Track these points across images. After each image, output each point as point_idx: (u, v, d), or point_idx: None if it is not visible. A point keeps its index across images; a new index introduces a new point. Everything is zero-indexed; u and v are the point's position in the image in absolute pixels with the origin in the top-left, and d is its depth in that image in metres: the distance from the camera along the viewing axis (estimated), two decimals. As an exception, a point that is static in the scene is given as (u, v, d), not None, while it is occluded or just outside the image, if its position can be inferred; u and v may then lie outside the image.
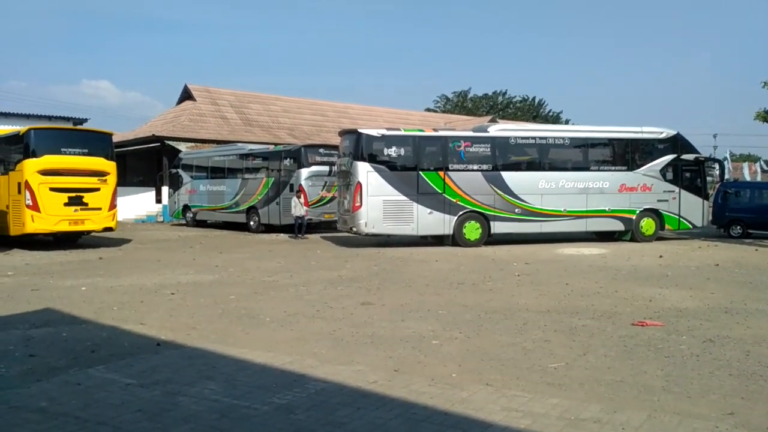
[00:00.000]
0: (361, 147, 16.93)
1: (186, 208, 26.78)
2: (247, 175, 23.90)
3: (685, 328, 7.49)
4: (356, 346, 6.69)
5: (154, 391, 5.16)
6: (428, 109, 64.53)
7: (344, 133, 18.54)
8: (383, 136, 17.19)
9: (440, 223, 17.24)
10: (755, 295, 9.78)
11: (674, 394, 5.14)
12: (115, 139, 19.22)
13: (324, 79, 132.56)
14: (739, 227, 21.21)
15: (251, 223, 23.33)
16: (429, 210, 17.11)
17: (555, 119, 68.11)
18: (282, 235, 21.52)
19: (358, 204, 16.71)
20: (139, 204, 29.81)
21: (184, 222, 27.08)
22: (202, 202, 25.88)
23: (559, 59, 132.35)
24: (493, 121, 41.08)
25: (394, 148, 17.12)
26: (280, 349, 6.56)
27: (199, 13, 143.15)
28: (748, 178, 45.54)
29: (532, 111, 68.92)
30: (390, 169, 17.02)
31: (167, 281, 11.27)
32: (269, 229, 22.59)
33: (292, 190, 21.23)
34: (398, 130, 18.18)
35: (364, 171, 16.76)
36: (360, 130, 17.36)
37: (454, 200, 17.29)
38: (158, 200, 29.94)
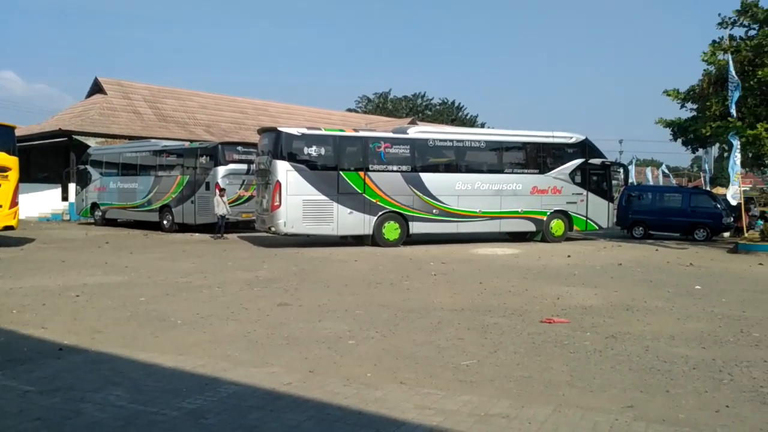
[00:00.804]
0: (281, 145, 16.72)
1: (95, 206, 25.59)
2: (160, 173, 23.09)
3: (590, 325, 7.85)
4: (271, 348, 6.61)
5: (55, 399, 4.91)
6: (349, 110, 64.56)
7: (263, 131, 18.26)
8: (303, 135, 17.06)
9: (360, 223, 17.30)
10: (654, 293, 10.37)
11: (578, 388, 5.37)
12: (19, 132, 18.13)
13: (244, 76, 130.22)
14: (641, 228, 22.44)
15: (164, 222, 22.57)
16: (349, 210, 17.14)
17: (472, 123, 69.71)
18: (197, 234, 20.95)
19: (277, 203, 16.50)
20: (44, 201, 28.24)
21: (92, 221, 25.86)
22: (113, 200, 24.80)
23: (477, 65, 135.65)
24: (412, 123, 41.61)
25: (314, 148, 17.01)
26: (192, 352, 6.39)
27: (113, 4, 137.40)
28: (651, 182, 48.24)
29: (450, 114, 70.24)
30: (310, 168, 16.90)
31: (72, 283, 10.74)
32: (184, 228, 21.94)
33: (208, 188, 20.72)
34: (319, 129, 18.09)
35: (283, 170, 16.56)
36: (280, 129, 17.16)
37: (374, 200, 17.39)
38: (65, 198, 28.42)
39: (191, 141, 25.72)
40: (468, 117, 71.49)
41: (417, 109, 70.35)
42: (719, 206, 21.51)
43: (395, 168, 17.73)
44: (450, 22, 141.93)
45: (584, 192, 19.92)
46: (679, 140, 22.74)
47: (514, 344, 6.84)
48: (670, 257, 16.07)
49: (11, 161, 16.38)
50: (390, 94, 72.11)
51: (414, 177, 17.85)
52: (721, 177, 52.01)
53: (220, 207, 19.47)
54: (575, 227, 19.98)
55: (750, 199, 26.08)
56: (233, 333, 7.26)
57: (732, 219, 21.15)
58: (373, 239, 17.52)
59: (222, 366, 5.86)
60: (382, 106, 69.61)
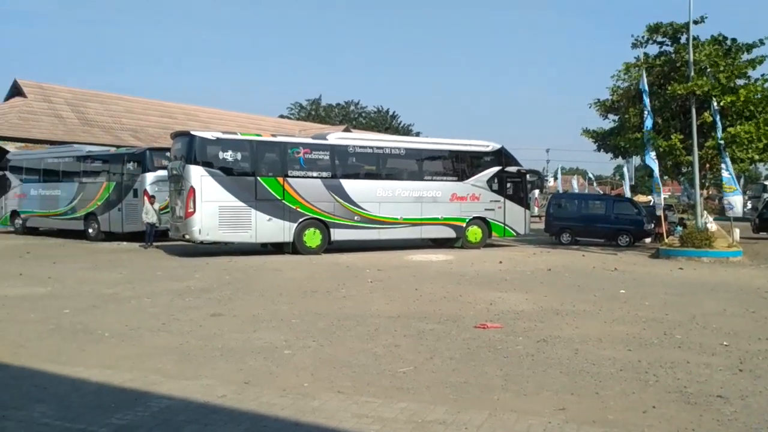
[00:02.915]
0: (195, 150, 16.28)
1: (15, 213, 24.35)
2: (85, 179, 22.19)
3: (522, 330, 8.04)
4: (205, 360, 6.46)
5: (-28, 419, 4.64)
6: (282, 116, 64.02)
7: (176, 135, 17.71)
8: (218, 140, 16.67)
9: (280, 230, 17.07)
10: (582, 297, 10.72)
11: (512, 392, 5.50)
12: (-72, 136, 17.09)
13: (173, 80, 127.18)
14: (568, 235, 23.16)
15: (90, 230, 21.68)
16: (268, 217, 16.87)
17: (406, 131, 70.40)
18: (125, 243, 20.24)
19: (191, 210, 16.02)
20: (-43, 209, 26.66)
21: (12, 229, 24.60)
22: (34, 208, 23.66)
23: (412, 73, 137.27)
24: (347, 130, 41.66)
25: (230, 152, 16.64)
26: (120, 365, 6.17)
27: (32, 4, 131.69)
28: (576, 189, 49.94)
29: (384, 122, 70.71)
30: (226, 173, 16.52)
31: (-10, 295, 10.18)
32: (110, 236, 21.14)
33: (136, 195, 20.05)
34: (235, 133, 17.86)
35: (197, 175, 16.11)
36: (193, 132, 16.77)
37: (294, 207, 17.22)
38: (-19, 205, 26.95)
39: (117, 146, 24.90)
40: (402, 125, 72.13)
41: (350, 116, 70.48)
42: (641, 213, 22.47)
43: (315, 174, 17.60)
44: (385, 30, 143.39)
45: (501, 199, 20.34)
46: (603, 149, 23.60)
47: (450, 350, 6.94)
48: (595, 262, 16.66)
49: None
50: (321, 101, 72.03)
51: (335, 183, 17.79)
52: (641, 185, 54.48)
53: (150, 215, 18.87)
54: (494, 233, 20.41)
55: (669, 206, 27.35)
56: (164, 345, 7.05)
57: (653, 225, 22.13)
58: (294, 247, 17.30)
59: (152, 379, 5.68)
60: (314, 113, 69.40)
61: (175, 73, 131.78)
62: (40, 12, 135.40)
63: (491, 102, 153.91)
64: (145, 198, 19.18)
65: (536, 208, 40.34)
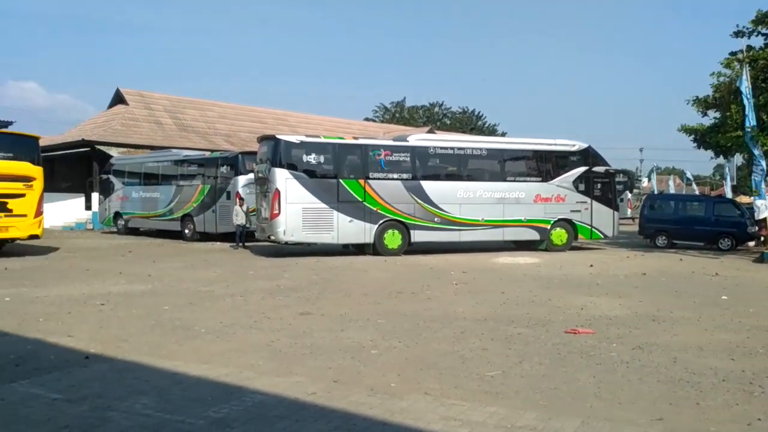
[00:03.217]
0: (280, 153, 16.70)
1: (117, 215, 25.90)
2: (182, 182, 23.31)
3: (615, 336, 7.74)
4: (295, 357, 6.60)
5: (82, 407, 4.94)
6: (367, 119, 64.76)
7: (263, 139, 18.20)
8: (302, 143, 17.04)
9: (361, 231, 17.23)
10: (680, 303, 10.22)
11: (606, 400, 5.30)
12: (43, 143, 18.43)
13: (263, 85, 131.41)
14: (664, 237, 22.16)
15: (186, 231, 22.75)
16: (349, 218, 17.06)
17: (491, 131, 69.56)
18: (218, 243, 21.08)
19: (276, 211, 16.45)
20: (68, 211, 28.57)
21: (115, 230, 26.18)
22: (135, 209, 25.09)
23: (497, 73, 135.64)
24: (431, 131, 41.62)
25: (313, 155, 16.96)
26: (216, 361, 6.41)
27: (133, 15, 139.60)
28: (673, 190, 47.73)
29: (469, 123, 70.14)
30: (309, 176, 16.86)
31: (97, 291, 10.85)
32: (205, 237, 22.09)
33: (229, 197, 20.85)
34: (318, 137, 18.14)
35: (282, 178, 16.51)
36: (278, 136, 17.17)
37: (375, 209, 17.31)
38: (88, 207, 28.80)
39: (212, 151, 25.95)
40: (487, 126, 71.32)
41: (435, 117, 70.38)
42: (744, 215, 21.21)
43: (396, 176, 17.65)
44: (468, 29, 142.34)
45: (588, 200, 19.68)
46: (702, 147, 22.46)
47: (539, 355, 6.77)
48: (694, 267, 15.85)
49: (36, 171, 16.65)
50: (405, 103, 72.29)
51: (415, 185, 17.76)
52: (744, 186, 51.30)
53: (239, 216, 19.56)
54: (580, 236, 19.77)
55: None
56: (256, 342, 7.27)
57: (756, 228, 20.84)
58: (374, 248, 17.40)
59: (246, 375, 5.87)
60: (398, 115, 69.76)
61: (264, 79, 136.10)
62: (137, 23, 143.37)
63: (580, 100, 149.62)
64: (237, 200, 19.90)
65: (629, 210, 38.87)
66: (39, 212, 16.64)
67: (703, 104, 21.26)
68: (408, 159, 17.95)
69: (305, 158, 16.90)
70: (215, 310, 9.30)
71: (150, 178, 24.70)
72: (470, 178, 18.69)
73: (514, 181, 19.04)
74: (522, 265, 15.73)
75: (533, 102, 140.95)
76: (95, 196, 27.80)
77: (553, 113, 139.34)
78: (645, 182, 53.21)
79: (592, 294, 11.08)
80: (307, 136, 17.85)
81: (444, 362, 6.44)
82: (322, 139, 17.79)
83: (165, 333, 7.73)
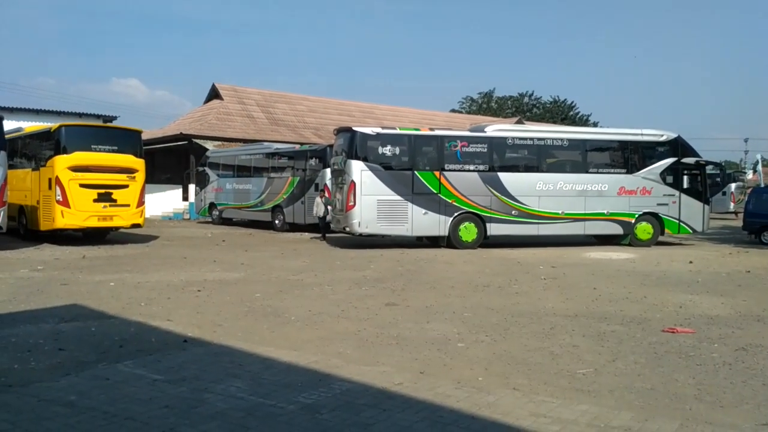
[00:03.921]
0: (356, 145, 16.67)
1: (212, 205, 27.01)
2: (272, 174, 24.01)
3: (717, 336, 7.33)
4: (381, 347, 6.66)
5: (181, 388, 5.18)
6: (453, 111, 64.28)
7: (339, 131, 18.20)
8: (378, 135, 16.97)
9: (435, 223, 17.00)
10: (789, 304, 9.55)
11: (706, 403, 5.03)
12: (144, 136, 19.44)
13: (350, 79, 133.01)
14: (771, 233, 20.73)
15: (276, 221, 23.43)
16: (424, 210, 16.85)
17: (584, 121, 67.41)
18: (306, 234, 21.56)
19: (351, 203, 16.47)
20: (167, 201, 30.12)
21: (210, 220, 27.32)
22: (228, 200, 26.08)
23: (591, 63, 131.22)
24: (519, 122, 40.81)
25: (389, 147, 16.85)
26: (306, 348, 6.55)
27: (226, 12, 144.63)
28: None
29: (561, 113, 68.24)
30: (384, 168, 16.76)
31: (193, 278, 11.36)
32: (294, 228, 22.66)
33: (317, 189, 21.27)
34: (394, 128, 18.01)
35: (358, 170, 16.51)
36: (354, 128, 17.16)
37: (450, 201, 17.04)
38: (185, 198, 30.23)
39: (301, 144, 26.55)
40: (579, 116, 69.16)
41: (524, 107, 68.94)
42: None
43: (472, 167, 17.27)
44: (559, 20, 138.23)
45: (676, 193, 18.60)
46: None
47: (634, 354, 6.51)
48: (805, 265, 14.76)
49: (138, 163, 17.58)
50: (494, 94, 71.20)
51: (492, 177, 17.34)
52: None
53: (320, 208, 19.76)
54: (667, 230, 18.76)
55: None
56: (344, 331, 7.38)
57: None
58: (449, 241, 17.15)
59: (334, 363, 5.97)
60: (486, 106, 68.83)
61: (354, 74, 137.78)
62: (233, 21, 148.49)
63: (676, 87, 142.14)
64: (325, 191, 20.23)
65: (732, 204, 36.67)
66: (141, 202, 17.57)
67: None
68: (485, 150, 17.54)
69: (381, 150, 16.85)
70: (304, 298, 9.52)
71: (243, 171, 25.57)
72: (550, 169, 18.04)
73: (597, 172, 18.22)
74: (615, 261, 15.16)
75: (629, 92, 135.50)
76: (192, 188, 29.13)
77: (650, 103, 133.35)
78: (750, 174, 50.11)
79: (691, 292, 10.53)
80: (383, 127, 17.80)
81: (533, 358, 6.31)
82: (397, 131, 17.69)
83: (257, 319, 7.99)
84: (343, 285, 10.81)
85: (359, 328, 7.54)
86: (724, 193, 37.19)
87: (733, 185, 38.12)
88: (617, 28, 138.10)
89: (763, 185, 37.92)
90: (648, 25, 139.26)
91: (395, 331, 7.40)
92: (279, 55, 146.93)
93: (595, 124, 64.53)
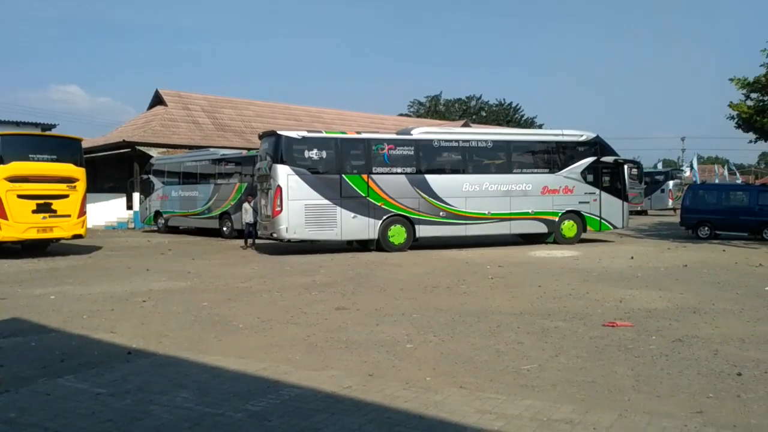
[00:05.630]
0: (281, 149, 16.49)
1: (158, 214, 26.45)
2: (219, 181, 23.67)
3: (655, 329, 7.62)
4: (331, 352, 6.67)
5: (125, 401, 5.08)
6: (402, 114, 64.70)
7: (264, 135, 17.97)
8: (304, 138, 16.80)
9: (365, 227, 17.01)
10: (723, 295, 9.99)
11: (644, 393, 5.22)
12: (85, 144, 18.92)
13: (297, 83, 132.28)
14: (706, 228, 21.62)
15: (224, 228, 23.10)
16: (353, 214, 16.84)
17: (529, 124, 68.77)
18: (256, 240, 21.28)
19: (278, 209, 16.27)
20: (110, 210, 29.35)
21: (155, 228, 26.75)
22: (174, 208, 25.58)
23: (535, 66, 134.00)
24: (465, 124, 41.40)
25: (315, 151, 16.74)
26: (254, 355, 6.51)
27: (170, 18, 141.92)
28: (718, 180, 46.49)
29: (506, 116, 69.46)
30: (312, 172, 16.63)
31: (138, 289, 11.12)
32: (242, 234, 22.34)
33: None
34: (320, 132, 18.04)
35: (284, 174, 16.32)
36: (279, 132, 17.01)
37: (379, 204, 17.09)
38: (129, 206, 29.50)
39: (249, 149, 26.25)
40: (525, 118, 70.52)
41: (471, 111, 69.91)
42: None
43: (400, 170, 17.36)
44: (503, 24, 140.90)
45: (597, 191, 19.23)
46: (744, 130, 21.80)
47: (576, 348, 6.71)
48: (738, 258, 15.44)
49: (78, 172, 17.10)
50: (441, 97, 72.01)
51: (419, 179, 17.49)
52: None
53: (248, 214, 19.10)
54: (589, 228, 19.35)
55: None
56: (293, 337, 7.36)
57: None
58: (378, 244, 17.21)
59: (283, 369, 5.95)
60: (434, 109, 69.53)
61: (300, 78, 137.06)
62: (176, 26, 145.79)
63: (621, 90, 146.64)
64: (248, 198, 19.67)
65: (670, 201, 38.02)
66: (82, 212, 17.10)
67: (746, 85, 20.62)
68: (412, 153, 17.61)
69: (307, 154, 16.67)
70: (253, 305, 9.44)
71: (189, 178, 25.13)
72: (476, 170, 18.25)
73: (521, 173, 18.60)
74: (560, 259, 15.55)
75: (572, 94, 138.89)
76: (136, 196, 28.45)
77: (592, 105, 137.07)
78: (687, 172, 52.02)
79: (631, 287, 10.90)
80: (308, 131, 17.63)
81: (479, 356, 6.43)
82: (323, 134, 17.67)
83: (204, 328, 7.89)
84: (293, 290, 10.77)
85: (308, 333, 7.53)
86: (662, 191, 38.60)
87: (671, 182, 39.55)
88: (561, 32, 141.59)
89: (699, 182, 39.48)
90: (592, 28, 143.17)
91: (345, 335, 7.43)
92: (223, 61, 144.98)
93: (540, 126, 65.94)
